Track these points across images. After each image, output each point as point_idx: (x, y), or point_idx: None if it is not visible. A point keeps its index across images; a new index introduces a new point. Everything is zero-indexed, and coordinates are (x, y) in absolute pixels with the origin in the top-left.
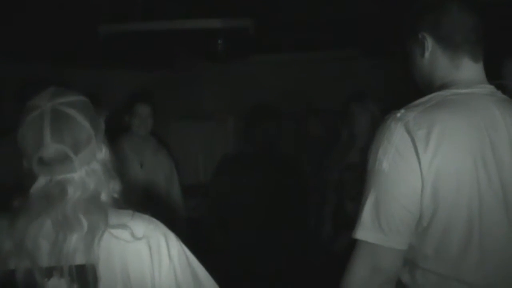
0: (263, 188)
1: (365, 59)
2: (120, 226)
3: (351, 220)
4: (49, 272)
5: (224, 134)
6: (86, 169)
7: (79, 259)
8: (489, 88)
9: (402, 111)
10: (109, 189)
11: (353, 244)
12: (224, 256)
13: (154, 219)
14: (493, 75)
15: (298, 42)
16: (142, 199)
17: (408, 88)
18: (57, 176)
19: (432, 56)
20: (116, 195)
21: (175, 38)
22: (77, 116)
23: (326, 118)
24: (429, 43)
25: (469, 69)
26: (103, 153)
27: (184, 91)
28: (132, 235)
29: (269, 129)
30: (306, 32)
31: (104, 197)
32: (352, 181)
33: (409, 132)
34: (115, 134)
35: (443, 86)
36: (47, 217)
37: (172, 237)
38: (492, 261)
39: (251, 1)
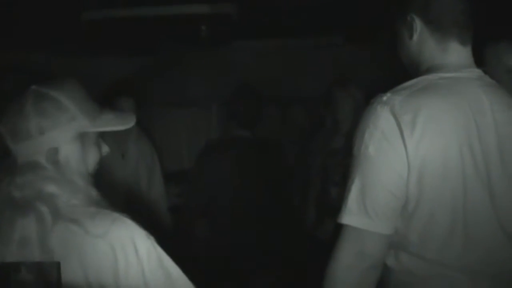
0: (246, 174)
1: (351, 45)
2: (73, 221)
3: (335, 205)
4: (17, 267)
5: (207, 120)
6: (47, 156)
7: (37, 253)
8: (477, 72)
9: (388, 94)
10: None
11: (338, 230)
12: (206, 244)
13: (122, 218)
14: (475, 62)
15: (282, 28)
16: (124, 191)
17: (393, 74)
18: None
19: (420, 38)
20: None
21: (158, 24)
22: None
23: (311, 104)
24: (418, 25)
25: (457, 53)
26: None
27: (167, 77)
28: (86, 231)
29: (250, 107)
30: (290, 18)
31: (55, 190)
32: (336, 167)
33: (395, 116)
34: None
35: (430, 69)
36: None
37: (141, 237)
38: (477, 247)
39: None
